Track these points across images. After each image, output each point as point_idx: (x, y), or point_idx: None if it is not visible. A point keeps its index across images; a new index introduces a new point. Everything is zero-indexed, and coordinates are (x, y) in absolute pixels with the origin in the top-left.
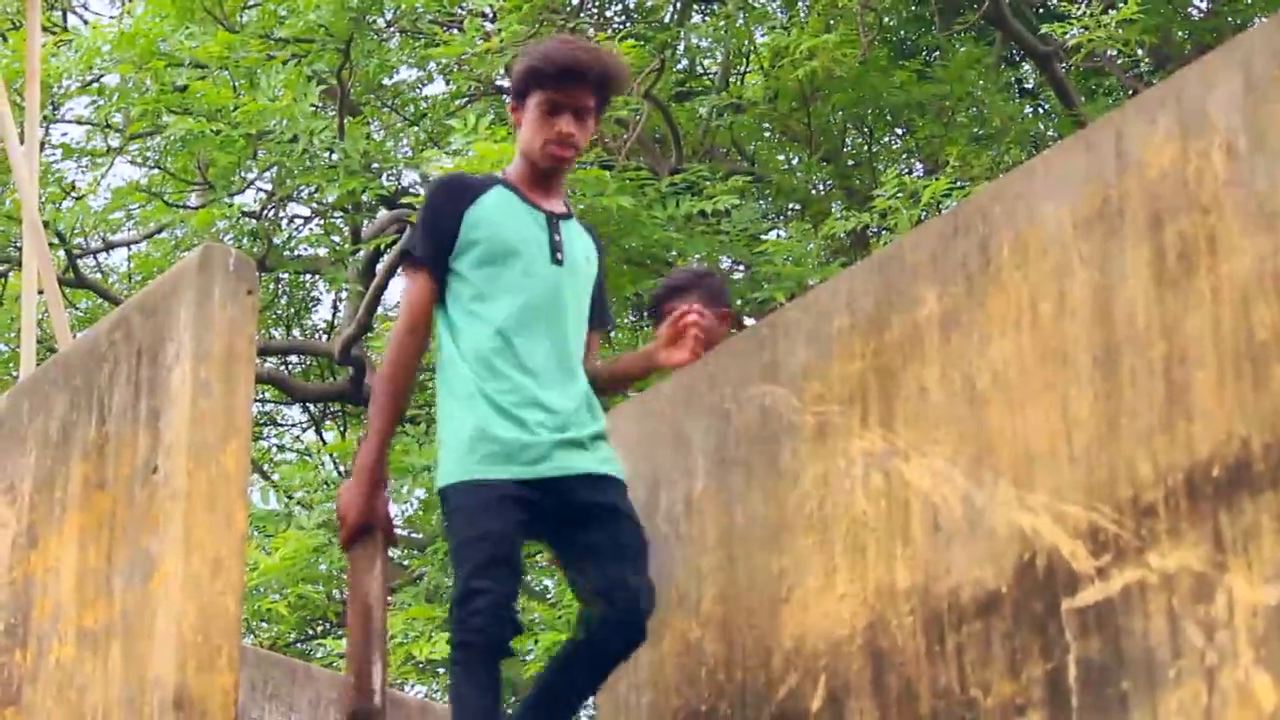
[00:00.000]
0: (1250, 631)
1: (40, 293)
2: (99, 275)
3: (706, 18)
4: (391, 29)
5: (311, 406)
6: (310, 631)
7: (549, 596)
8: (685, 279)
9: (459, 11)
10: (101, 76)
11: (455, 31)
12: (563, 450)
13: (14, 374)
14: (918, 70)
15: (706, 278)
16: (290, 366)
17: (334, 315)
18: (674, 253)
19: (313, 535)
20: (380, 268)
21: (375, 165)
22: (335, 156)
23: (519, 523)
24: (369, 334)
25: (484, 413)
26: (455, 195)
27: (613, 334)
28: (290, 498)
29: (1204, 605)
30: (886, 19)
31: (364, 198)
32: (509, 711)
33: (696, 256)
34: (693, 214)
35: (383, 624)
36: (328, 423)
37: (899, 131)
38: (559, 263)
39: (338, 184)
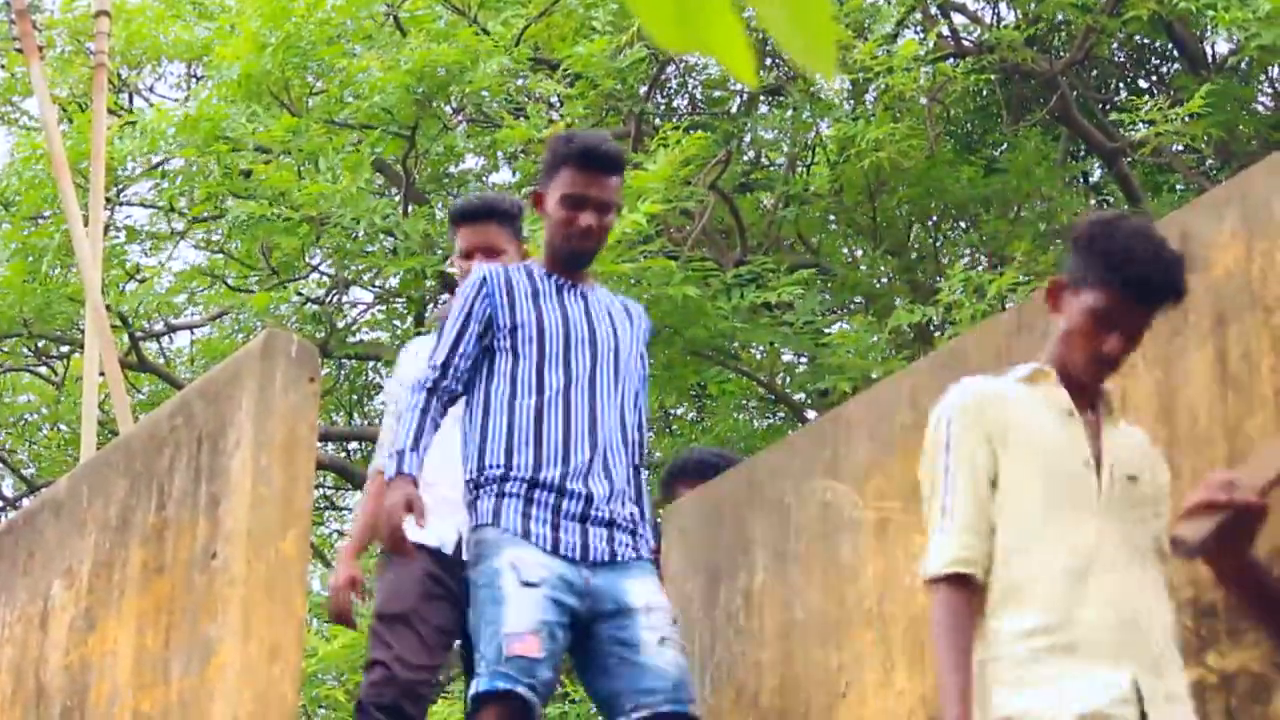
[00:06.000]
0: None
1: (102, 375)
2: (162, 359)
3: (773, 109)
4: (457, 116)
5: None
6: None
7: None
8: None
9: (524, 99)
10: (166, 160)
11: (521, 118)
12: None
13: (75, 456)
14: (984, 164)
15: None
16: (351, 453)
17: None
18: (737, 344)
19: (371, 621)
20: None
21: (439, 249)
22: (397, 240)
23: None
24: None
25: None
26: None
27: (673, 427)
28: None
29: (1261, 706)
30: (953, 112)
31: (426, 281)
32: None
33: (759, 348)
34: (757, 305)
35: None
36: None
37: (964, 226)
38: None
39: (398, 261)
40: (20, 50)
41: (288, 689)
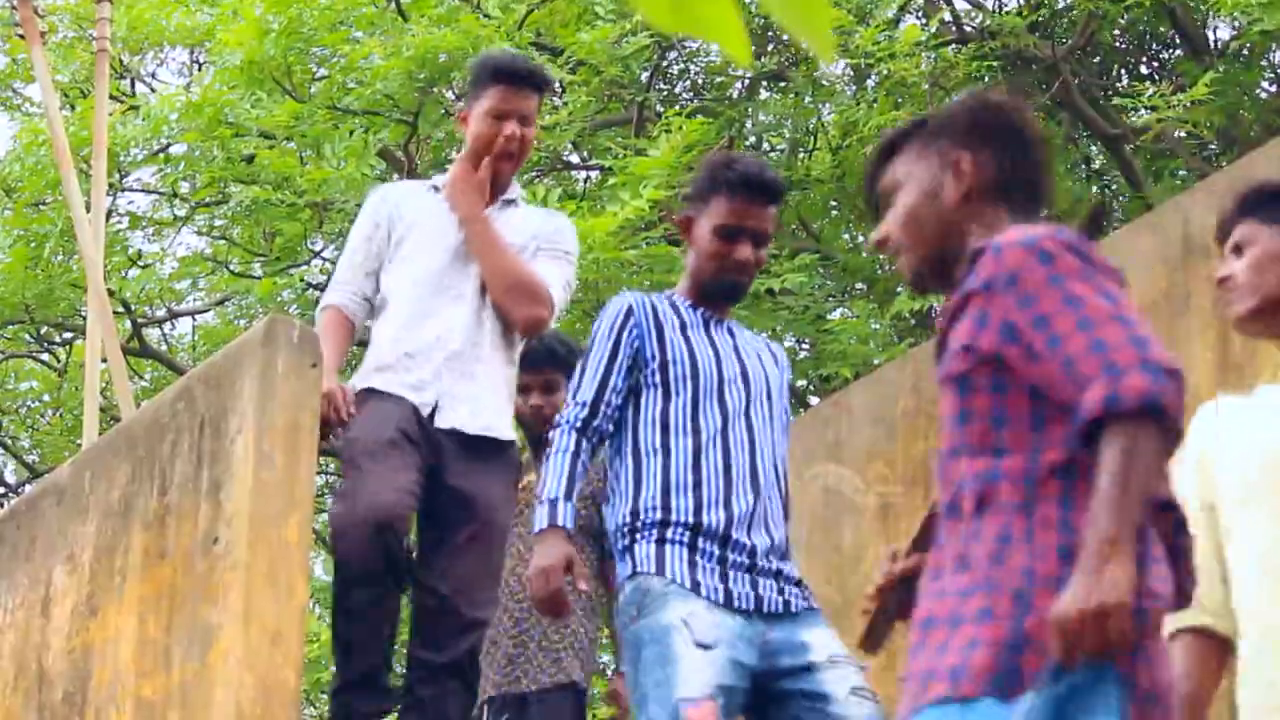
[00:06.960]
0: None
1: (104, 361)
2: (164, 345)
3: (775, 94)
4: (459, 101)
5: None
6: None
7: None
8: None
9: None
10: (169, 145)
11: None
12: None
13: (77, 443)
14: None
15: None
16: None
17: None
18: None
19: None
20: None
21: None
22: None
23: None
24: None
25: None
26: None
27: None
28: None
29: None
30: (955, 98)
31: None
32: None
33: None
34: (759, 291)
35: None
36: None
37: None
38: None
39: None
40: (22, 36)
41: (290, 674)
